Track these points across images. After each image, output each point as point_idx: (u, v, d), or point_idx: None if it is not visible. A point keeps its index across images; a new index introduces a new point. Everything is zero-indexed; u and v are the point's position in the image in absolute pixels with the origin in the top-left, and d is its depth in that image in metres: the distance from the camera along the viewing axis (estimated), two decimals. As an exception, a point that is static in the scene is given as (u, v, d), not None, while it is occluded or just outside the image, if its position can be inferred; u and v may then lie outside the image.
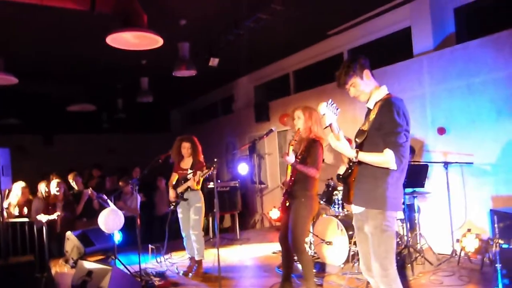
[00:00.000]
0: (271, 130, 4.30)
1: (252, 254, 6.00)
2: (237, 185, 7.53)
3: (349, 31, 7.04)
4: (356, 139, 2.79)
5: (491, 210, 4.32)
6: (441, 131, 5.40)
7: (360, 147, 2.71)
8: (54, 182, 6.41)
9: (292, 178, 3.84)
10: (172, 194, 5.12)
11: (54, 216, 6.04)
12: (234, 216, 7.70)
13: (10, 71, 5.50)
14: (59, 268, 5.45)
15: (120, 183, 7.53)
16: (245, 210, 8.93)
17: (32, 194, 6.69)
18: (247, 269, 5.29)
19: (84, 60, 7.63)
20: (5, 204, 5.87)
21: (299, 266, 3.95)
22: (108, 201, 5.18)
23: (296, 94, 8.61)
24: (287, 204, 3.90)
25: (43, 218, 5.90)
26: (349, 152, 2.62)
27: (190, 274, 4.95)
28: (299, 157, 3.77)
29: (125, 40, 4.47)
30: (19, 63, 6.78)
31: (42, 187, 6.39)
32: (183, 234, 5.15)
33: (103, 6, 4.53)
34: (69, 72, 8.55)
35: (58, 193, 6.29)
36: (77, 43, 6.62)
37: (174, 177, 5.18)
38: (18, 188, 6.24)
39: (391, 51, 6.58)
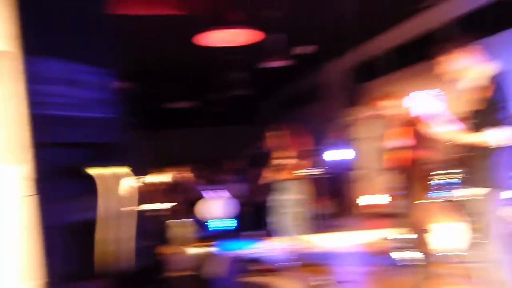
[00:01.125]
0: (364, 115, 4.20)
1: (351, 241, 5.91)
2: (331, 171, 7.49)
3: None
4: (462, 121, 2.69)
5: None
6: None
7: (467, 128, 2.63)
8: (170, 175, 7.00)
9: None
10: (263, 182, 5.25)
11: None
12: (331, 202, 7.67)
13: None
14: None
15: (218, 174, 7.95)
16: (340, 197, 8.83)
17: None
18: (346, 257, 5.23)
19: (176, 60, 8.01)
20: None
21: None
22: (213, 191, 5.46)
23: (391, 74, 8.20)
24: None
25: (164, 206, 6.43)
26: (465, 137, 2.62)
27: (286, 262, 4.93)
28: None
29: (223, 38, 4.61)
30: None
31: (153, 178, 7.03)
32: (280, 221, 5.21)
33: (197, 9, 4.70)
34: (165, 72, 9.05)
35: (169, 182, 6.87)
36: (171, 46, 7.01)
37: (272, 168, 5.23)
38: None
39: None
